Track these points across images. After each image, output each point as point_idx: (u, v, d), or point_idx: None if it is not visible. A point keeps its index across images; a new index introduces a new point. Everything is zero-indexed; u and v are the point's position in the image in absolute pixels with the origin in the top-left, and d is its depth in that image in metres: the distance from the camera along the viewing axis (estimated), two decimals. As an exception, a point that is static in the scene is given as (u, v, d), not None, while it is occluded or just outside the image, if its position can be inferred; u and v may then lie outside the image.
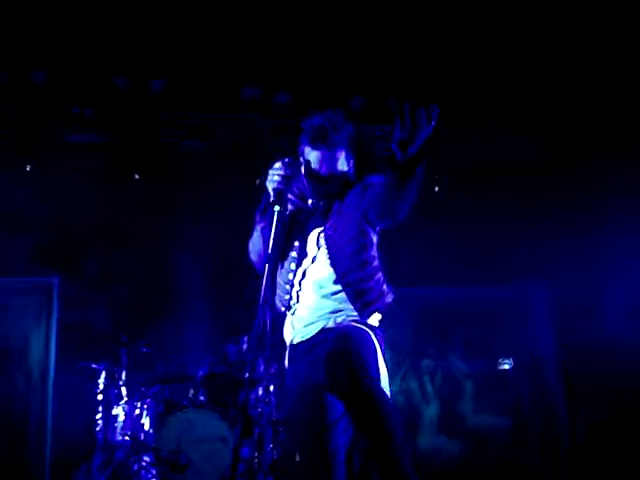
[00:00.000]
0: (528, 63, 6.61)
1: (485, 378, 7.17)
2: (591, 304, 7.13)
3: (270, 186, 2.99)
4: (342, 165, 3.15)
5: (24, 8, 5.91)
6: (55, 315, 6.67)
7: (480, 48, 6.40)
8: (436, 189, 7.57)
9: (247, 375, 5.17)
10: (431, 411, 7.05)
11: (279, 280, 3.15)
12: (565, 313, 7.25)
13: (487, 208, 7.46)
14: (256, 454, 6.00)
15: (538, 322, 7.48)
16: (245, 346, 6.84)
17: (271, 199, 2.98)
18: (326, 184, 3.13)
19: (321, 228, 3.12)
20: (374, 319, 3.08)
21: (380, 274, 3.13)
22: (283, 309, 3.14)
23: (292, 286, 3.10)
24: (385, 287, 3.11)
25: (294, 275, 3.10)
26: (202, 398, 6.39)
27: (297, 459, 2.97)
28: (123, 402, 6.47)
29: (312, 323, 3.05)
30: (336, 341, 2.95)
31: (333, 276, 3.04)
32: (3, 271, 6.90)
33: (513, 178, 7.52)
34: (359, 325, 3.02)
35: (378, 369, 2.93)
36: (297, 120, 3.23)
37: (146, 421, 6.45)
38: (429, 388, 7.06)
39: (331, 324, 3.02)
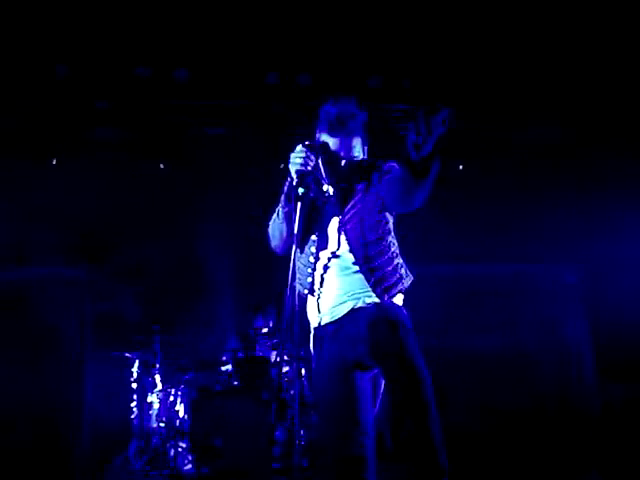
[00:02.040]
0: (544, 50, 6.59)
1: (510, 358, 7.14)
2: (620, 285, 7.10)
3: (293, 169, 3.05)
4: (358, 151, 3.23)
5: (45, 2, 5.96)
6: (87, 306, 6.73)
7: (497, 32, 6.38)
8: (460, 167, 7.56)
9: (278, 358, 5.26)
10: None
11: (299, 264, 3.19)
12: (596, 296, 7.22)
13: (520, 190, 7.46)
14: (290, 437, 6.05)
15: (569, 302, 7.43)
16: (270, 318, 6.92)
17: (295, 182, 3.03)
18: (343, 170, 3.20)
19: (341, 214, 3.18)
20: (399, 299, 3.16)
21: (399, 259, 3.20)
22: (306, 292, 3.20)
23: (314, 270, 3.16)
24: (403, 271, 3.19)
25: (315, 259, 3.17)
26: (235, 383, 6.45)
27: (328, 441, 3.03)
28: (157, 389, 6.56)
29: (341, 304, 3.11)
30: (380, 314, 3.03)
31: (355, 262, 3.11)
32: (34, 263, 6.99)
33: (547, 161, 7.52)
34: (393, 302, 3.11)
35: (418, 344, 3.01)
36: (318, 103, 3.29)
37: (180, 407, 6.53)
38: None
39: (360, 304, 3.09)
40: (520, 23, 6.26)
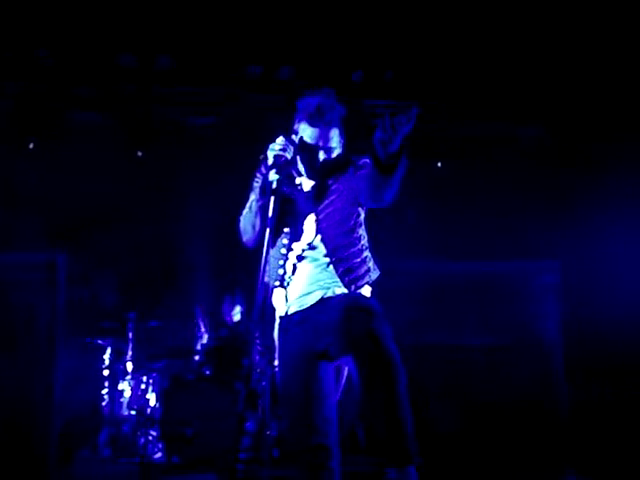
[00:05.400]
0: (534, 49, 6.62)
1: (488, 353, 7.18)
2: (598, 283, 7.17)
3: (271, 154, 3.08)
4: (336, 143, 3.28)
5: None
6: (61, 292, 6.70)
7: (482, 27, 6.40)
8: (438, 165, 7.58)
9: (247, 349, 5.26)
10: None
11: (269, 257, 3.19)
12: (572, 292, 7.28)
13: (501, 187, 7.50)
14: (261, 427, 6.06)
15: (545, 299, 7.49)
16: (238, 303, 6.94)
17: (270, 166, 3.06)
18: (320, 163, 3.25)
19: (316, 207, 3.22)
20: (366, 291, 3.19)
21: (367, 252, 3.25)
22: (276, 284, 3.22)
23: (286, 260, 3.19)
24: (371, 264, 3.23)
25: (287, 250, 3.19)
26: (207, 372, 6.45)
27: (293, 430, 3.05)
28: (129, 377, 6.54)
29: (310, 293, 3.14)
30: (351, 303, 3.06)
31: (326, 252, 3.15)
32: (8, 247, 6.93)
33: (526, 158, 7.58)
34: (360, 293, 3.15)
35: (390, 331, 3.02)
36: (298, 96, 3.32)
37: (152, 396, 6.52)
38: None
39: (330, 294, 3.12)
40: (505, 18, 6.29)
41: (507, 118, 7.50)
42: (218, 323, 6.94)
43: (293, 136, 3.21)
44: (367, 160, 3.07)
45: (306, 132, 3.22)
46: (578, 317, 7.07)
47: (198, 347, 6.71)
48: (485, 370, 7.12)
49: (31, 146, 7.26)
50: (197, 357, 6.57)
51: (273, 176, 3.04)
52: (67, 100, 7.12)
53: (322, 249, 3.15)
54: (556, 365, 7.24)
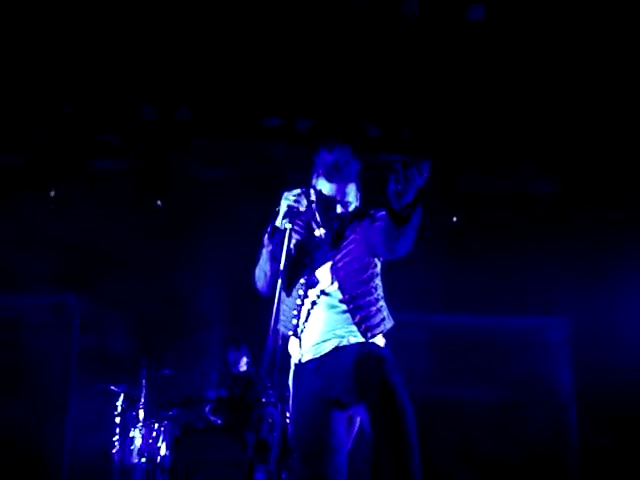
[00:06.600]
0: (544, 105, 6.70)
1: (499, 408, 7.16)
2: (608, 340, 7.16)
3: (285, 203, 3.16)
4: (353, 197, 3.39)
5: (53, 38, 6.07)
6: (73, 335, 6.74)
7: (496, 86, 6.49)
8: (454, 219, 7.64)
9: (259, 399, 5.27)
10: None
11: (284, 306, 3.27)
12: (582, 348, 7.28)
13: (509, 243, 7.55)
14: (270, 478, 6.01)
15: (556, 355, 7.49)
16: (244, 356, 6.95)
17: (284, 214, 3.14)
18: (338, 215, 3.36)
19: (333, 255, 3.27)
20: (380, 340, 3.22)
21: (382, 302, 3.29)
22: (290, 333, 3.26)
23: (300, 310, 3.23)
24: (386, 314, 3.27)
25: (302, 300, 3.23)
26: (218, 421, 6.44)
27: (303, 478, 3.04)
28: (140, 425, 6.53)
29: (325, 341, 3.18)
30: (364, 351, 3.09)
31: (342, 300, 3.18)
32: (23, 289, 7.00)
33: (538, 217, 7.64)
34: (375, 343, 3.18)
35: (402, 379, 3.03)
36: (315, 149, 3.40)
37: (162, 444, 6.50)
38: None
39: (345, 342, 3.15)
40: (518, 77, 6.38)
41: (520, 175, 7.58)
42: (226, 373, 6.96)
43: (311, 190, 3.30)
44: (384, 212, 3.12)
45: (324, 187, 3.33)
46: (590, 372, 7.06)
47: (209, 396, 6.71)
48: (497, 424, 7.09)
49: (52, 194, 7.36)
50: (208, 406, 6.55)
51: (286, 225, 3.12)
52: (89, 149, 7.24)
53: (337, 294, 3.19)
54: (569, 419, 7.21)
